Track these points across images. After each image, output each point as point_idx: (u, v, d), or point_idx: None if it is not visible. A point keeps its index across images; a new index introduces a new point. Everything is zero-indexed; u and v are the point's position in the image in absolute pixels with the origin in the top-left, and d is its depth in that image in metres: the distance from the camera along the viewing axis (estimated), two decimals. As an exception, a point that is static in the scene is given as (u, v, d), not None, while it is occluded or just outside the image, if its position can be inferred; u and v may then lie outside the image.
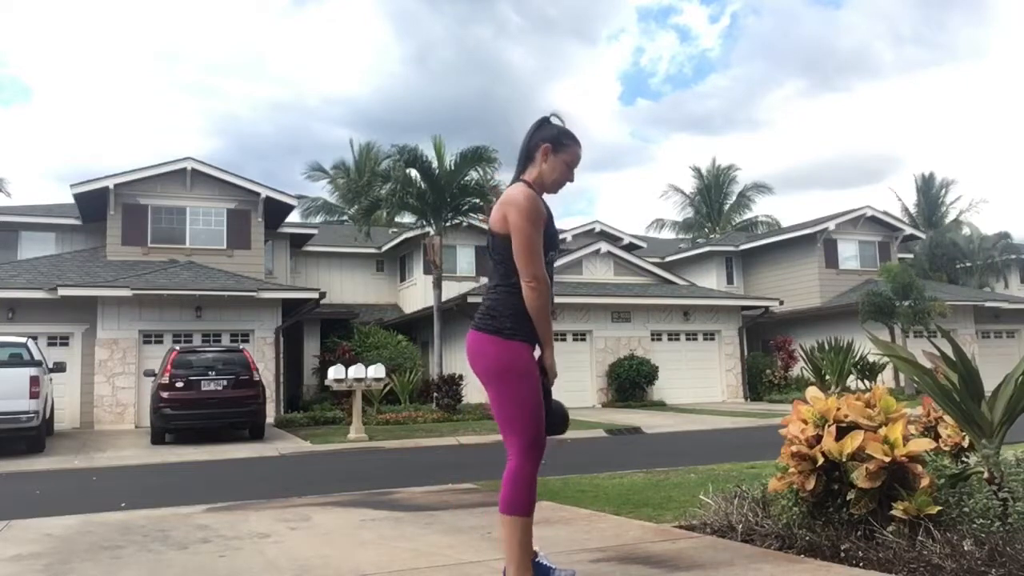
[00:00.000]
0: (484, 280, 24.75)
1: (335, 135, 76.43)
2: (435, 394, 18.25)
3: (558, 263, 22.16)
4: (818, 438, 3.75)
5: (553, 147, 3.14)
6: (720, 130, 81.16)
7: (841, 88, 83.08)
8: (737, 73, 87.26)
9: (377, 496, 6.38)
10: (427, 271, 22.40)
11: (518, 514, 2.92)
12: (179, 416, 13.28)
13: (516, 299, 3.01)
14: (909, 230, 29.19)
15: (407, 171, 18.88)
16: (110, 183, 19.40)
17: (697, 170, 42.95)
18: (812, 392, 4.08)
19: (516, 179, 3.17)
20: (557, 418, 3.16)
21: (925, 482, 3.48)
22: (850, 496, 3.57)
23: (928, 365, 3.98)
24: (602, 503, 5.67)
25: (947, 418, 4.62)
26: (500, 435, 3.07)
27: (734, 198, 41.99)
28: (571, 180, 3.23)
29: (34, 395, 11.59)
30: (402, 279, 27.24)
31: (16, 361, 12.35)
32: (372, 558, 3.96)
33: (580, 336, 21.67)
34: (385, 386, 16.55)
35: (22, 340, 13.13)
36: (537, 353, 3.08)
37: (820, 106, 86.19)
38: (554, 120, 3.23)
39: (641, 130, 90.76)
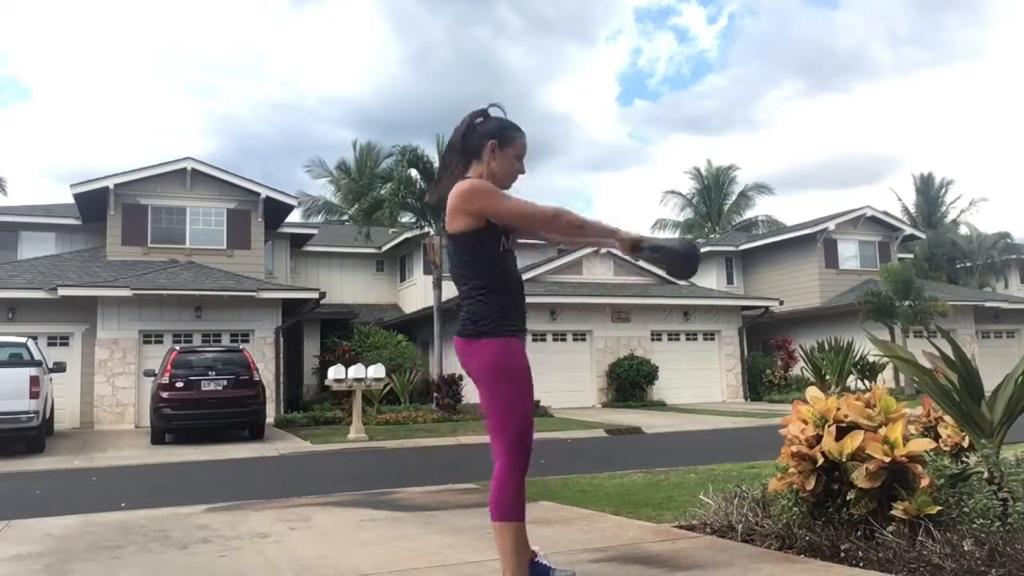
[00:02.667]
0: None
1: (334, 135, 76.46)
2: (435, 394, 18.25)
3: (558, 263, 22.31)
4: (818, 438, 3.75)
5: (499, 142, 3.02)
6: (719, 131, 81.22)
7: (839, 89, 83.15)
8: (735, 74, 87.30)
9: (377, 496, 6.38)
10: (427, 271, 22.40)
11: (509, 519, 2.88)
12: (179, 416, 13.28)
13: (495, 295, 2.94)
14: (909, 230, 29.20)
15: (408, 171, 18.89)
16: (110, 183, 19.40)
17: (696, 171, 43.01)
18: (812, 392, 4.07)
19: (456, 179, 3.02)
20: (682, 258, 2.99)
21: (925, 482, 3.48)
22: (850, 496, 3.57)
23: (928, 365, 3.98)
24: (602, 503, 5.67)
25: (947, 418, 4.62)
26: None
27: (734, 198, 42.02)
28: (523, 172, 3.13)
29: (34, 395, 11.59)
30: (402, 279, 27.24)
31: (16, 361, 12.35)
32: (372, 558, 3.96)
33: (580, 336, 21.67)
34: (385, 386, 16.55)
35: (22, 340, 13.13)
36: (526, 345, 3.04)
37: (819, 106, 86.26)
38: (493, 112, 3.11)
39: (639, 130, 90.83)
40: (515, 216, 2.92)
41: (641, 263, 24.01)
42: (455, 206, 2.93)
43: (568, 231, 3.03)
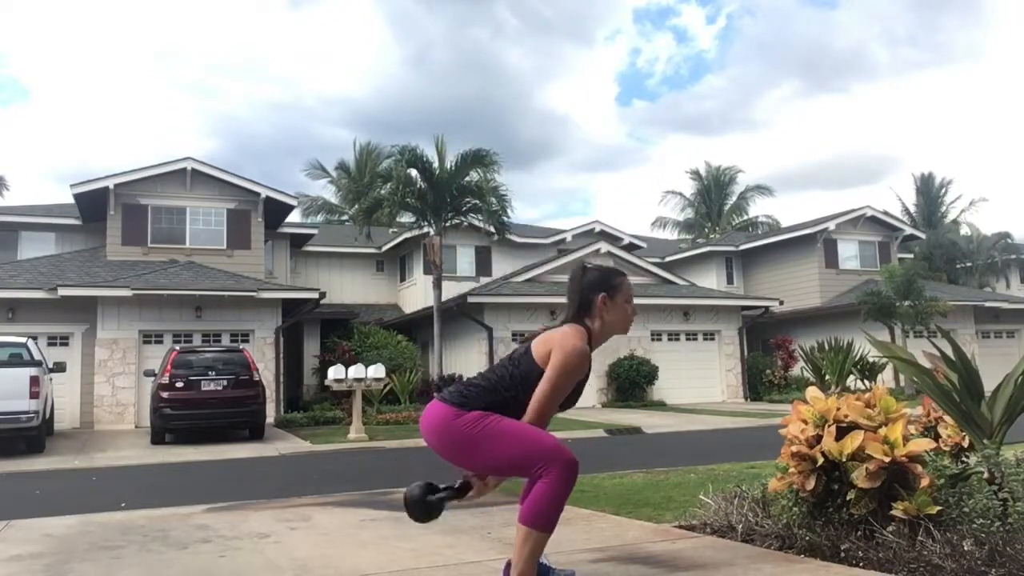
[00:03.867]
0: (484, 280, 24.77)
1: (334, 136, 76.44)
2: (435, 394, 18.22)
3: (558, 263, 22.32)
4: (818, 438, 3.75)
5: (609, 294, 3.14)
6: (718, 131, 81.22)
7: (838, 89, 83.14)
8: (733, 74, 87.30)
9: (377, 496, 6.38)
10: (427, 271, 22.40)
11: (542, 530, 2.88)
12: (179, 416, 13.28)
13: (491, 396, 3.02)
14: (909, 230, 29.19)
15: (408, 171, 18.89)
16: (110, 183, 19.40)
17: (696, 172, 43.03)
18: (812, 392, 4.08)
19: (573, 320, 3.13)
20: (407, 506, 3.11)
21: (925, 482, 3.48)
22: (850, 496, 3.57)
23: (928, 365, 3.98)
24: (602, 503, 5.67)
25: (947, 418, 4.62)
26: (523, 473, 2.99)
27: (734, 198, 42.04)
28: (636, 313, 3.27)
29: (34, 395, 11.58)
30: (402, 279, 27.24)
31: (16, 361, 12.34)
32: (372, 558, 3.96)
33: (580, 336, 21.63)
34: (385, 386, 16.55)
35: (22, 340, 13.13)
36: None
37: (818, 107, 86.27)
38: (590, 266, 3.28)
39: (638, 131, 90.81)
40: (547, 397, 2.97)
41: (641, 263, 24.03)
42: (555, 342, 3.00)
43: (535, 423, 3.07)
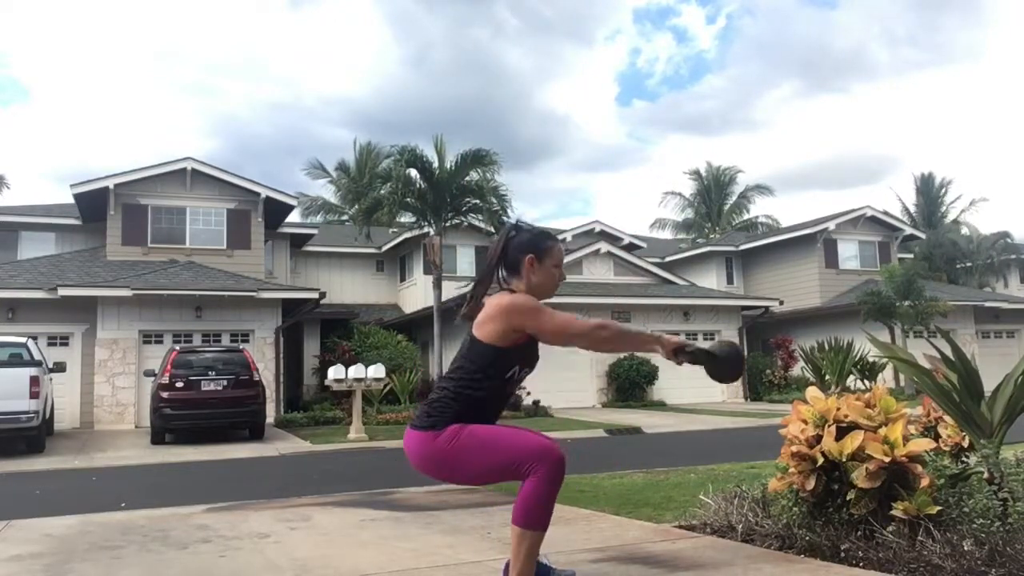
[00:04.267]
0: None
1: (334, 136, 76.45)
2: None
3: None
4: (818, 438, 3.75)
5: (537, 256, 3.07)
6: (717, 131, 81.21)
7: (838, 89, 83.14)
8: (733, 74, 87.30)
9: (377, 496, 6.38)
10: (427, 271, 22.40)
11: (534, 529, 2.87)
12: (179, 416, 13.28)
13: (459, 406, 2.94)
14: (909, 230, 29.18)
15: (407, 171, 18.88)
16: (110, 183, 19.40)
17: (696, 172, 43.04)
18: (812, 392, 4.08)
19: (487, 288, 3.09)
20: (724, 362, 2.98)
21: (925, 482, 3.48)
22: (850, 496, 3.57)
23: (928, 365, 3.98)
24: (602, 503, 5.67)
25: (947, 418, 4.62)
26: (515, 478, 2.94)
27: (734, 198, 42.03)
28: (563, 279, 3.20)
29: (34, 395, 11.58)
30: (402, 279, 27.24)
31: (16, 361, 12.35)
32: (372, 558, 3.96)
33: (580, 336, 21.62)
34: (385, 386, 16.55)
35: (22, 340, 13.13)
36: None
37: (817, 107, 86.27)
38: (522, 225, 3.20)
39: (638, 131, 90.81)
40: (557, 332, 2.93)
41: (641, 263, 24.05)
42: (492, 315, 2.95)
43: (608, 343, 3.03)
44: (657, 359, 21.45)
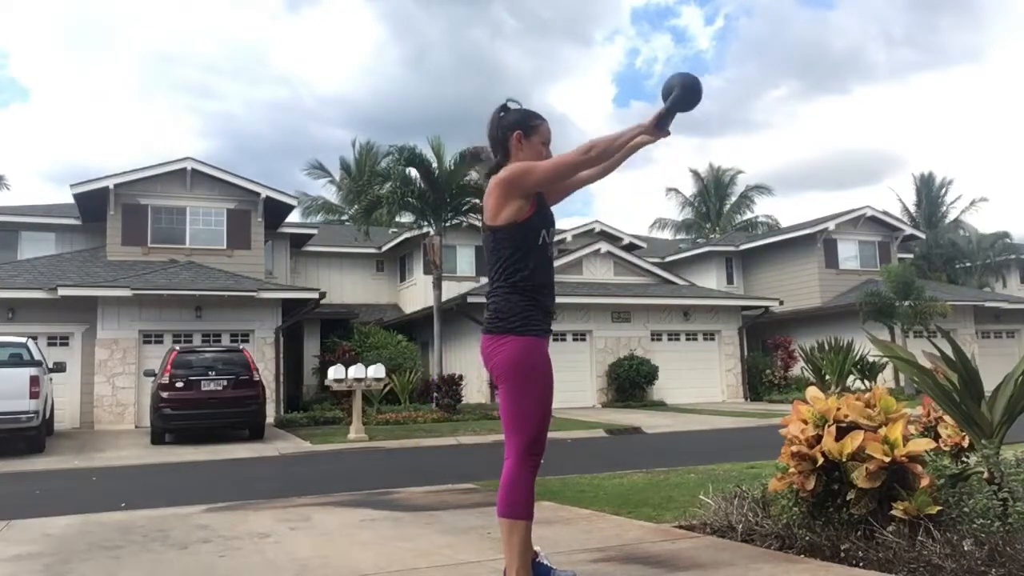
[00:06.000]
0: (484, 280, 24.75)
1: (333, 136, 76.47)
2: (435, 394, 18.24)
3: (558, 263, 22.27)
4: (818, 438, 3.75)
5: (524, 132, 3.13)
6: (716, 131, 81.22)
7: (837, 90, 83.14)
8: (731, 75, 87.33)
9: (377, 496, 6.38)
10: (427, 271, 22.39)
11: (516, 517, 2.90)
12: (179, 416, 13.27)
13: (518, 296, 3.01)
14: (909, 230, 29.16)
15: (406, 171, 18.89)
16: (110, 183, 19.39)
17: (696, 172, 43.04)
18: (812, 392, 4.07)
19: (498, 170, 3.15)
20: (691, 94, 2.97)
21: (925, 482, 3.48)
22: (850, 496, 3.56)
23: (928, 365, 3.97)
24: (602, 503, 5.67)
25: (947, 418, 4.62)
26: (502, 435, 3.05)
27: (734, 199, 42.02)
28: (550, 157, 3.20)
29: (34, 395, 11.58)
30: (402, 279, 27.23)
31: (16, 361, 12.34)
32: (372, 558, 3.96)
33: (580, 336, 21.66)
34: (385, 386, 16.54)
35: (22, 340, 13.12)
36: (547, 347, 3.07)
37: (817, 107, 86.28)
38: (512, 105, 3.21)
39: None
40: (555, 175, 3.01)
41: (641, 263, 24.04)
42: (495, 195, 3.02)
43: (602, 156, 3.03)
44: (657, 359, 21.58)
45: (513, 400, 2.96)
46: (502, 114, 3.18)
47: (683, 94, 2.97)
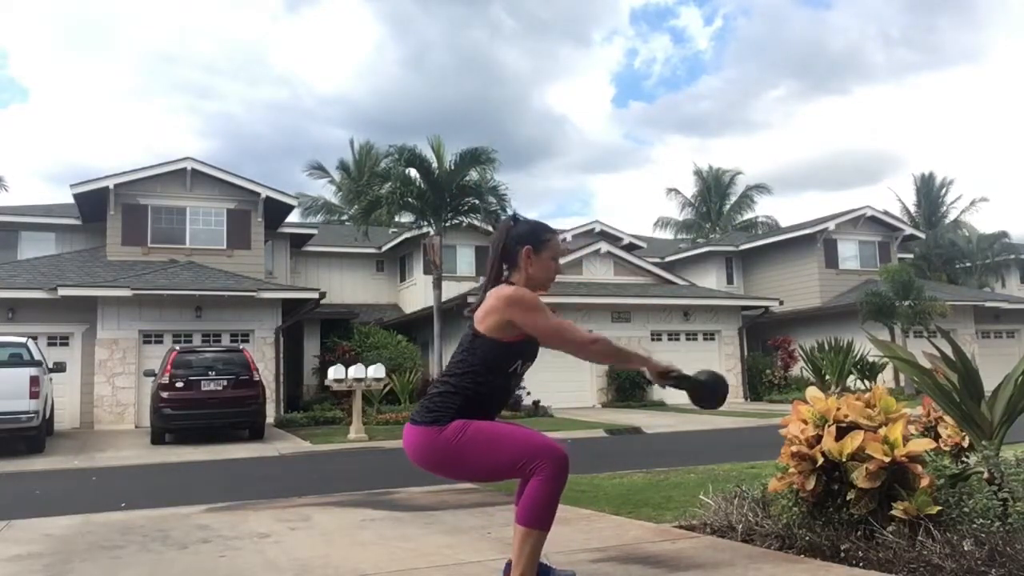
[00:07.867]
0: (484, 280, 24.76)
1: (332, 136, 76.50)
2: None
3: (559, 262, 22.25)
4: (818, 438, 3.75)
5: (534, 247, 3.07)
6: (715, 132, 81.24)
7: (836, 90, 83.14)
8: (730, 75, 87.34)
9: (377, 496, 6.38)
10: (427, 271, 22.40)
11: (539, 529, 2.86)
12: (179, 416, 13.28)
13: (461, 400, 2.91)
14: (909, 230, 29.17)
15: (406, 171, 18.90)
16: (110, 183, 19.40)
17: (698, 171, 43.05)
18: (812, 392, 4.07)
19: (496, 283, 3.07)
20: (707, 388, 3.04)
21: (925, 482, 3.48)
22: (850, 496, 3.57)
23: (928, 365, 3.98)
24: (602, 503, 5.67)
25: (947, 418, 4.62)
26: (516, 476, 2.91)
27: (734, 199, 42.03)
28: (560, 272, 3.21)
29: (34, 395, 11.58)
30: (402, 279, 27.24)
31: (16, 361, 12.34)
32: (372, 558, 3.96)
33: (580, 336, 21.62)
34: (385, 386, 16.55)
35: (22, 340, 13.12)
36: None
37: (816, 107, 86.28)
38: (521, 219, 3.20)
39: (635, 132, 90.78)
40: (550, 334, 2.94)
41: (641, 263, 24.04)
42: (493, 307, 2.94)
43: (599, 356, 3.07)
44: (658, 359, 21.45)
45: (497, 455, 2.85)
46: (512, 225, 3.14)
47: (705, 389, 3.05)
